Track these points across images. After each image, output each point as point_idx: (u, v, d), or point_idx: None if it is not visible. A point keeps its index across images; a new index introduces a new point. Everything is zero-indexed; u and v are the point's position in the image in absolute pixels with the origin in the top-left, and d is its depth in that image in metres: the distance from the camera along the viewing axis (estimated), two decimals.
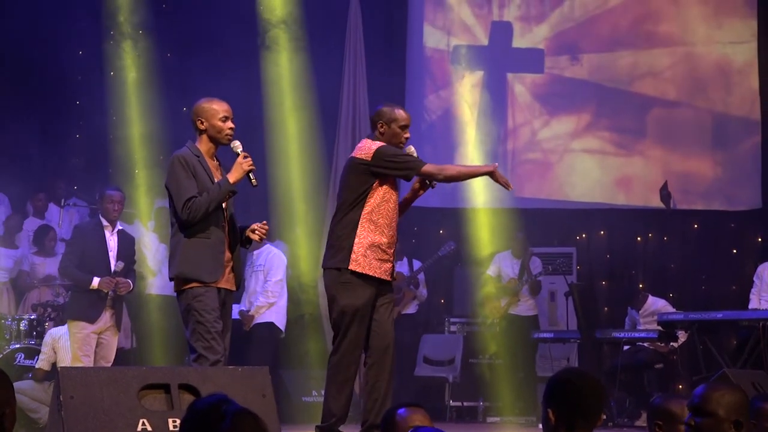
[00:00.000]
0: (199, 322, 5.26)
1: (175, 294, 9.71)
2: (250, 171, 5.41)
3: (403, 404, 3.72)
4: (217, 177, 5.43)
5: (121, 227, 7.69)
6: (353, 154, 5.88)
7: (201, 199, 5.30)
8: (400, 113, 5.89)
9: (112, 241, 7.51)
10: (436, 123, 11.44)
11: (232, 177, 5.37)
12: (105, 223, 7.52)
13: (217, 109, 5.46)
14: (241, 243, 5.61)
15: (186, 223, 5.32)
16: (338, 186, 6.02)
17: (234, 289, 5.52)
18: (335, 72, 11.14)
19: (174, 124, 10.29)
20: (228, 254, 5.44)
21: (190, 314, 5.29)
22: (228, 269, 5.43)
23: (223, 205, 5.42)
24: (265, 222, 5.59)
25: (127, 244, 7.65)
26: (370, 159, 5.74)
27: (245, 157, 5.41)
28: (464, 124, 11.19)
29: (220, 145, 5.51)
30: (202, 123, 5.45)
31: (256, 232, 5.54)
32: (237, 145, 5.48)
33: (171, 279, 5.45)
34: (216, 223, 5.38)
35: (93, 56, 10.48)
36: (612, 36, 11.35)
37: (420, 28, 11.49)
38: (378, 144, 5.79)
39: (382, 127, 5.86)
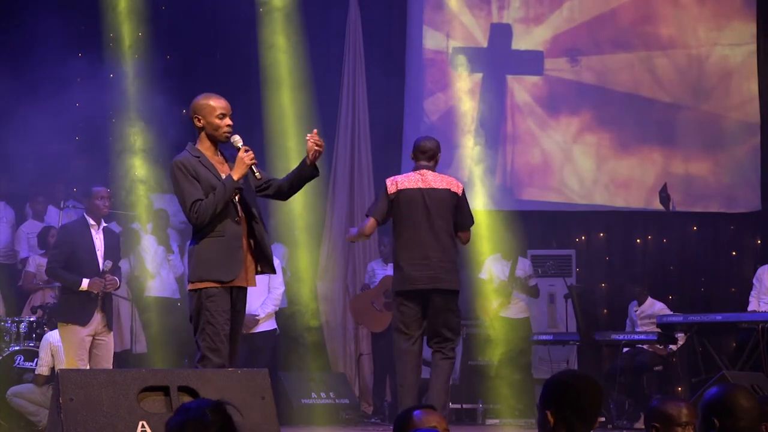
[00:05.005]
0: (209, 323, 5.23)
1: (173, 296, 9.74)
2: (252, 165, 5.38)
3: (417, 406, 3.73)
4: (223, 172, 5.39)
5: (105, 224, 7.60)
6: (450, 188, 6.80)
7: (207, 200, 5.27)
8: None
9: (98, 240, 7.41)
10: (435, 125, 11.43)
11: (236, 173, 5.33)
12: (91, 222, 7.43)
13: (213, 105, 5.42)
14: (309, 176, 5.56)
15: (197, 226, 5.32)
16: (441, 211, 6.74)
17: (247, 285, 5.42)
18: (335, 74, 11.16)
19: (173, 126, 10.30)
20: (246, 249, 5.40)
21: (202, 313, 5.26)
22: (246, 265, 5.38)
23: (236, 199, 5.38)
24: (315, 131, 5.53)
25: (113, 241, 7.56)
26: (460, 194, 6.84)
27: (246, 151, 5.37)
28: (463, 126, 11.19)
29: (220, 142, 5.47)
30: (199, 120, 5.42)
31: (313, 148, 5.48)
32: (237, 140, 5.44)
33: (188, 280, 5.42)
34: (230, 219, 5.34)
35: (92, 58, 10.48)
36: (611, 38, 11.35)
37: (419, 30, 11.50)
38: (461, 183, 6.94)
39: (439, 157, 7.01)
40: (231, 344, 5.35)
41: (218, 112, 5.42)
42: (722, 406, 3.51)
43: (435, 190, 6.76)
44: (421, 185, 6.77)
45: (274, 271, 5.58)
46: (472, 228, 7.03)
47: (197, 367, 5.21)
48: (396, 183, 6.82)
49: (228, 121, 5.44)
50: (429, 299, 6.72)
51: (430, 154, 6.91)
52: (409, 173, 6.93)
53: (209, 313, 5.24)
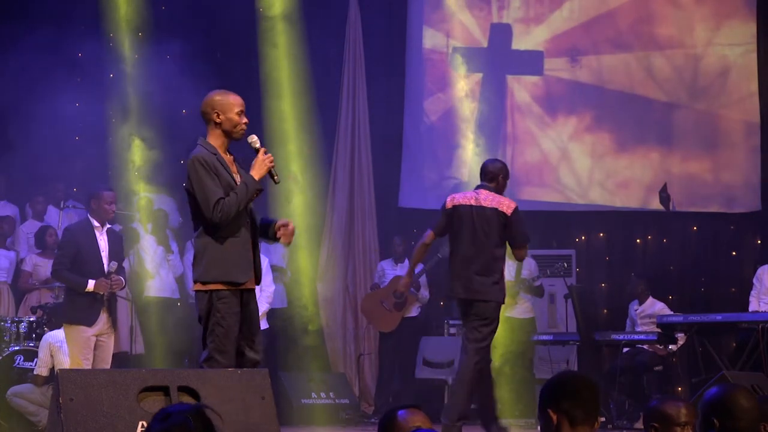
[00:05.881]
0: (219, 324, 5.18)
1: (173, 296, 9.69)
2: (271, 167, 5.34)
3: (402, 406, 3.70)
4: (233, 172, 5.33)
5: (109, 225, 7.62)
6: (498, 208, 7.17)
7: (230, 199, 5.19)
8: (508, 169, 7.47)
9: (102, 241, 7.43)
10: (436, 125, 11.45)
11: (256, 174, 5.28)
12: (95, 223, 7.45)
13: (233, 102, 5.35)
14: (268, 237, 5.54)
15: (218, 225, 5.20)
16: (486, 229, 7.17)
17: (253, 287, 5.42)
18: (335, 74, 11.16)
19: (173, 126, 10.29)
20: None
21: (212, 314, 5.20)
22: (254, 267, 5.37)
23: None
24: (288, 222, 5.53)
25: (117, 242, 7.59)
26: (510, 214, 7.16)
27: (265, 153, 5.32)
28: (463, 126, 11.19)
29: (233, 140, 5.38)
30: (218, 116, 5.30)
31: (283, 239, 5.52)
32: (255, 141, 5.38)
33: (196, 280, 5.30)
34: (243, 222, 5.30)
35: (93, 58, 10.48)
36: (611, 38, 11.35)
37: (419, 29, 11.50)
38: (514, 204, 7.25)
39: (503, 179, 7.34)
40: (256, 339, 5.35)
41: (237, 108, 5.35)
42: (722, 406, 3.52)
43: (483, 208, 7.20)
44: (473, 203, 7.26)
45: (259, 282, 5.52)
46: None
47: (202, 366, 5.18)
48: (453, 199, 7.39)
49: (245, 119, 5.38)
50: (469, 308, 7.18)
51: (490, 176, 7.38)
52: (469, 191, 7.49)
53: (220, 315, 5.19)
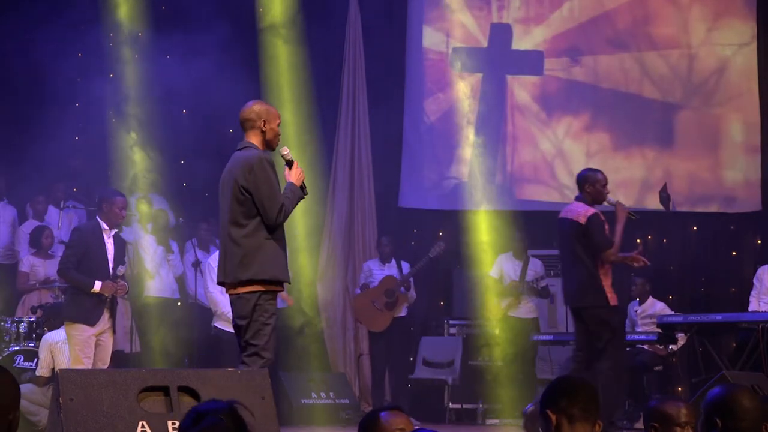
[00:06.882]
0: (266, 324, 5.41)
1: (173, 296, 9.71)
2: (302, 179, 5.58)
3: (383, 408, 3.70)
4: None
5: (115, 230, 7.67)
6: (573, 218, 7.31)
7: (288, 203, 5.45)
8: (601, 176, 7.41)
9: (109, 245, 7.47)
10: (436, 125, 11.44)
11: (297, 183, 5.55)
12: (104, 226, 7.48)
13: (275, 113, 5.61)
14: None
15: (276, 227, 5.46)
16: (567, 238, 7.37)
17: None
18: (334, 74, 11.15)
19: (173, 126, 10.29)
20: None
21: (259, 314, 5.41)
22: None
23: None
24: None
25: (122, 247, 7.64)
26: (584, 223, 7.24)
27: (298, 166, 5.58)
28: (463, 126, 11.19)
29: (270, 149, 5.61)
30: (264, 124, 5.53)
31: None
32: (287, 153, 5.59)
33: (244, 280, 5.45)
34: (282, 226, 5.55)
35: (93, 58, 10.49)
36: (611, 38, 11.35)
37: (419, 30, 11.49)
38: (591, 211, 7.27)
39: (591, 187, 7.34)
40: None
41: (278, 120, 5.60)
42: (725, 406, 3.52)
43: (563, 220, 7.47)
44: (562, 216, 7.52)
45: None
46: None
47: (244, 362, 5.37)
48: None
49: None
50: (580, 316, 7.41)
51: (579, 187, 7.54)
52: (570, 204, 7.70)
53: (267, 315, 5.43)
